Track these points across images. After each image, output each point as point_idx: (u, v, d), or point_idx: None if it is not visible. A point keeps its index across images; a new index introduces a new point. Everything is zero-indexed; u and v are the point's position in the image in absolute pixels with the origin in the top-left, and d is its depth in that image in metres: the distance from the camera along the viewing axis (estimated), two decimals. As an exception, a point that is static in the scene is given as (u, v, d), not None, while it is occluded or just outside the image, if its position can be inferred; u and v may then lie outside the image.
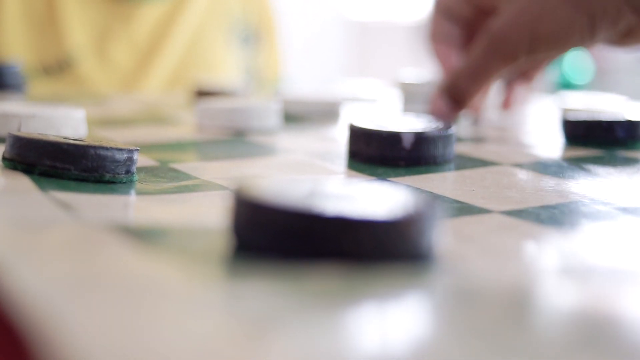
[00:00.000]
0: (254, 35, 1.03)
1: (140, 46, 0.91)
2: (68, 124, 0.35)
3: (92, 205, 0.23)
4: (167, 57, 0.92)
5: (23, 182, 0.25)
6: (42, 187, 0.24)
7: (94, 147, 0.26)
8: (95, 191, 0.25)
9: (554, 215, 0.24)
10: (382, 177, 0.30)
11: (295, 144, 0.39)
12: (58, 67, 0.86)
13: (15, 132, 0.27)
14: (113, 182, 0.26)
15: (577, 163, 0.34)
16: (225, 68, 0.97)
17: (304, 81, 1.37)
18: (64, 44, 0.87)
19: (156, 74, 0.91)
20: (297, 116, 0.49)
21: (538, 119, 0.59)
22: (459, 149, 0.36)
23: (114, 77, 0.89)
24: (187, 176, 0.29)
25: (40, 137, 0.27)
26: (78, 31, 0.87)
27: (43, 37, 0.87)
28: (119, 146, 0.27)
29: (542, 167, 0.33)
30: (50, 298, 0.14)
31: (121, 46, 0.89)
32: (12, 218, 0.20)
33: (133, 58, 0.90)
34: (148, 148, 0.36)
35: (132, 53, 0.90)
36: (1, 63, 0.62)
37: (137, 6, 0.90)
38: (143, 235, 0.19)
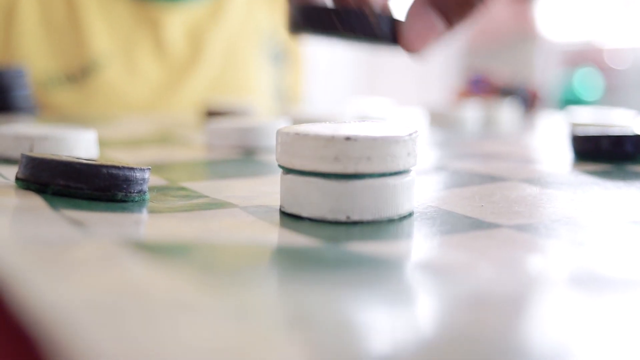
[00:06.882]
0: (283, 52, 1.01)
1: (169, 56, 0.88)
2: (80, 144, 0.36)
3: (106, 223, 0.23)
4: (201, 74, 0.89)
5: (36, 202, 0.25)
6: (54, 206, 0.25)
7: (106, 167, 0.26)
8: (107, 210, 0.25)
9: (563, 229, 0.24)
10: None
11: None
12: (82, 74, 0.83)
13: (28, 153, 0.28)
14: (125, 201, 0.27)
15: (586, 177, 0.34)
16: (258, 86, 0.94)
17: (316, 101, 1.38)
18: (88, 50, 0.83)
19: (188, 91, 0.88)
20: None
21: (547, 135, 0.59)
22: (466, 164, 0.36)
23: (142, 86, 0.86)
24: (198, 195, 0.29)
25: (53, 157, 0.27)
26: (102, 36, 0.84)
27: (65, 44, 0.83)
28: (131, 165, 0.27)
29: (551, 182, 0.33)
30: (69, 314, 0.14)
31: (148, 52, 0.86)
32: (28, 236, 0.21)
33: (163, 70, 0.87)
34: (159, 167, 0.36)
35: (160, 62, 0.87)
36: (7, 67, 0.62)
37: (162, 10, 0.87)
38: (156, 252, 0.20)
